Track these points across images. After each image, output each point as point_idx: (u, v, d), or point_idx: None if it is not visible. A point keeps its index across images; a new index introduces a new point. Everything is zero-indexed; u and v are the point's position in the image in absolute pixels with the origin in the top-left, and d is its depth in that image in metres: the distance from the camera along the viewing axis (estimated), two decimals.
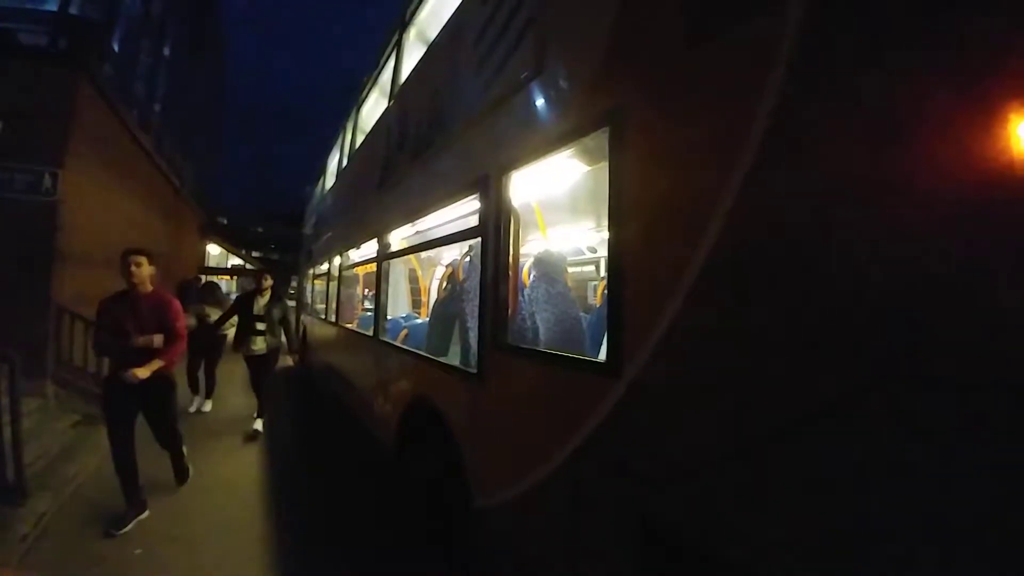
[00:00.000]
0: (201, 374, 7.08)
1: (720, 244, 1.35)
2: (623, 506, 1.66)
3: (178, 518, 3.78)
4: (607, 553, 1.74)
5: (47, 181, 5.90)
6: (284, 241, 50.35)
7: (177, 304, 3.83)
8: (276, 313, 6.00)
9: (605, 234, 4.73)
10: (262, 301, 5.98)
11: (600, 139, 1.93)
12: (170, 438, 4.19)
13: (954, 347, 0.94)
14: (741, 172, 1.30)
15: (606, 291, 1.80)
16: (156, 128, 10.16)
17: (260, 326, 5.90)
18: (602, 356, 3.20)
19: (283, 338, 6.19)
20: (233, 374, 8.36)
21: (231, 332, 6.38)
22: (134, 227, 9.07)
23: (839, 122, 1.14)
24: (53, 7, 6.44)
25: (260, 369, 6.08)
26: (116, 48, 7.84)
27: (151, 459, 4.89)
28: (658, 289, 1.54)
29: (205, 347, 6.75)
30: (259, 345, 5.92)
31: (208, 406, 6.95)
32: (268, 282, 6.10)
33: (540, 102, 2.30)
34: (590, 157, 2.40)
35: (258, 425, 5.98)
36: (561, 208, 3.84)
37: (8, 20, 6.57)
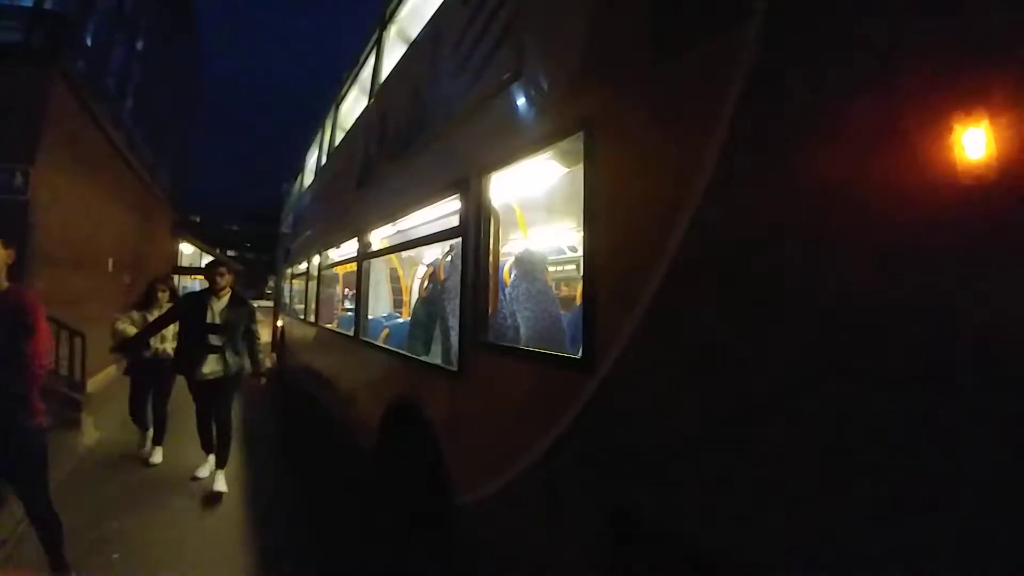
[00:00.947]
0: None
1: (687, 245, 1.44)
2: (596, 499, 1.74)
3: (152, 524, 3.81)
4: (582, 546, 1.81)
5: (18, 179, 5.82)
6: (260, 240, 49.78)
7: (32, 298, 2.89)
8: (238, 321, 4.52)
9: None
10: (219, 304, 4.48)
11: (577, 143, 2.00)
12: (44, 520, 2.94)
13: (921, 339, 1.01)
14: (705, 179, 1.39)
15: (582, 291, 1.89)
16: (128, 124, 10.03)
17: (215, 340, 4.42)
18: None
19: (247, 358, 4.68)
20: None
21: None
22: (104, 225, 8.96)
23: (800, 132, 1.23)
24: (28, 2, 6.35)
25: (216, 400, 4.54)
26: (89, 43, 7.73)
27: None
28: (629, 288, 1.62)
29: (154, 372, 5.19)
30: (213, 367, 4.43)
31: (157, 456, 5.21)
32: (226, 279, 4.54)
33: (519, 105, 2.37)
34: (569, 159, 2.49)
35: (219, 483, 4.41)
36: (542, 208, 3.92)
37: None
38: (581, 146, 1.92)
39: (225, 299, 4.52)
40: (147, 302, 5.24)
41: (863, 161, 1.11)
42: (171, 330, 4.96)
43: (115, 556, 3.34)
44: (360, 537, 3.67)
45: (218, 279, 4.48)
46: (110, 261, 9.46)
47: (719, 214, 1.38)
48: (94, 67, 8.07)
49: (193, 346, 4.42)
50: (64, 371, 6.48)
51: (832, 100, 1.17)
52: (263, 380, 4.79)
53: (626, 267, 1.68)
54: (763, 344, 1.26)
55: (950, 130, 0.98)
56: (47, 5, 6.45)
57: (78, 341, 6.59)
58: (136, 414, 5.34)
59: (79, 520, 3.72)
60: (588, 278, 1.84)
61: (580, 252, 5.29)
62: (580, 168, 2.52)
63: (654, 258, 1.53)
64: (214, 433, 4.63)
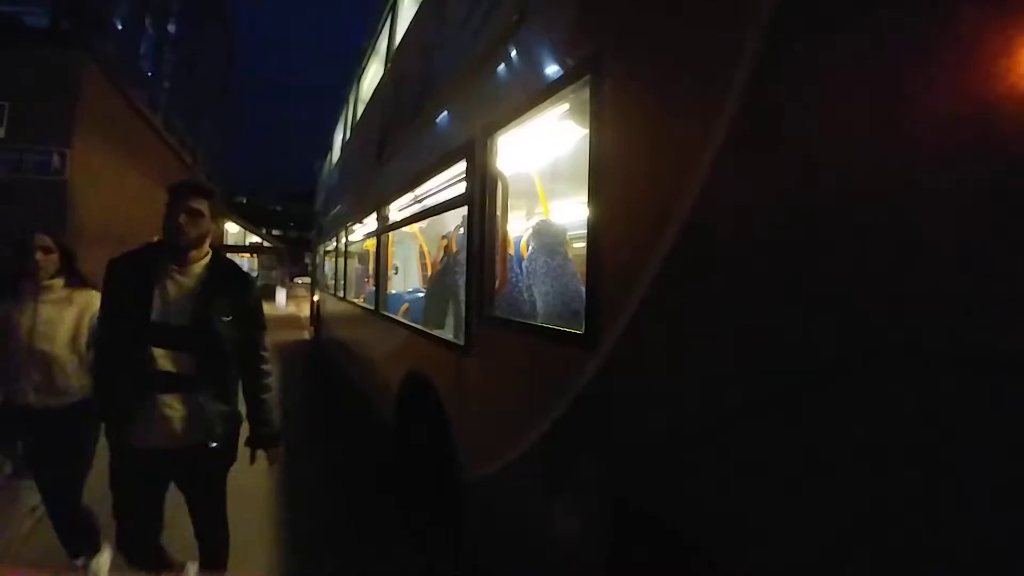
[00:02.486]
0: None
1: (705, 208, 1.19)
2: (595, 485, 1.57)
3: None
4: (581, 530, 1.66)
5: (56, 161, 5.84)
6: (304, 218, 50.66)
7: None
8: (225, 315, 2.02)
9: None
10: (185, 283, 2.01)
11: (584, 90, 1.74)
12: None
13: (935, 325, 0.85)
14: (731, 129, 1.13)
15: (586, 261, 1.65)
16: (165, 106, 10.05)
17: (168, 363, 1.95)
18: None
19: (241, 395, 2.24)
20: None
21: None
22: (146, 205, 9.03)
23: (847, 66, 0.97)
24: None
25: (195, 489, 2.21)
26: (119, 26, 7.68)
27: None
28: (638, 255, 1.38)
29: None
30: (175, 423, 1.97)
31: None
32: (201, 227, 2.01)
33: (524, 53, 2.12)
34: (582, 117, 2.23)
35: None
36: (559, 176, 3.67)
37: (13, 3, 6.49)
38: (587, 92, 1.65)
39: (198, 267, 2.05)
40: None
41: (919, 118, 0.87)
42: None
43: None
44: (381, 513, 3.56)
45: (180, 217, 1.97)
46: (156, 240, 9.55)
47: (748, 171, 1.12)
48: (126, 51, 8.05)
49: (126, 371, 1.96)
50: None
51: (894, 37, 0.90)
52: (268, 455, 2.30)
53: (635, 232, 1.43)
54: (787, 325, 1.04)
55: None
56: None
57: None
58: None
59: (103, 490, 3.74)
60: (592, 244, 1.59)
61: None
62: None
63: (667, 222, 1.28)
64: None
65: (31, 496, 3.43)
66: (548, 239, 2.91)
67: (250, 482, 3.75)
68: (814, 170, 1.01)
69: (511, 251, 2.66)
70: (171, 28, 10.17)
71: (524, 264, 2.73)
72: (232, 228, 23.76)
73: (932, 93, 0.86)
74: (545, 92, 1.94)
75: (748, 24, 1.10)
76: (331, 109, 8.93)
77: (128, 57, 8.28)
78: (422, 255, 7.12)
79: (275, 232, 44.28)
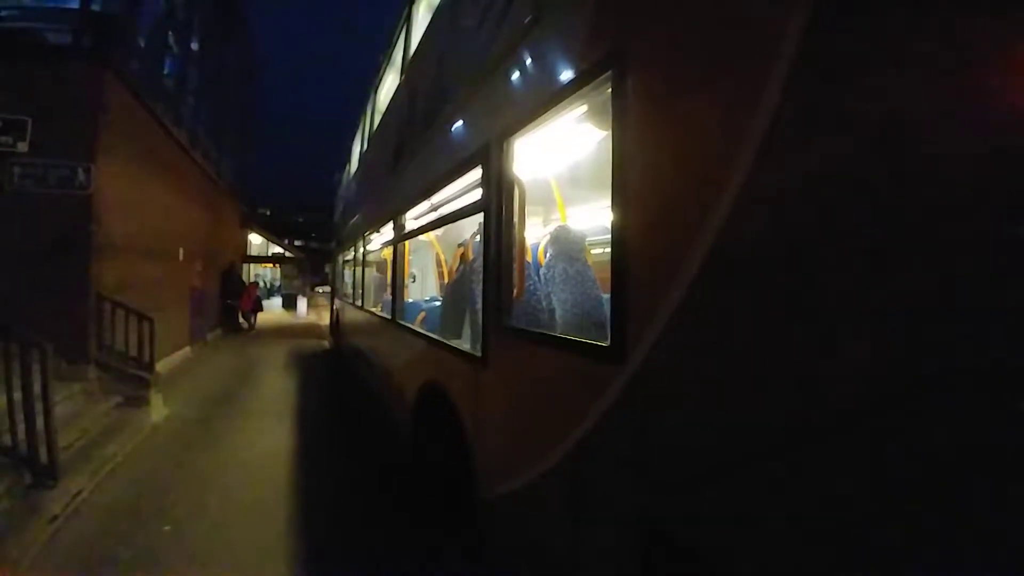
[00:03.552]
0: None
1: (738, 213, 1.07)
2: (626, 505, 1.43)
3: (206, 496, 3.71)
4: (610, 553, 1.52)
5: (80, 175, 5.84)
6: (323, 230, 51.07)
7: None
8: None
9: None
10: None
11: (605, 90, 1.63)
12: None
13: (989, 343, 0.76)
14: (763, 127, 1.01)
15: (611, 270, 1.52)
16: (189, 122, 10.10)
17: None
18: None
19: None
20: None
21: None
22: (172, 218, 9.08)
23: (890, 62, 0.86)
24: (76, 4, 6.33)
25: None
26: (142, 43, 7.72)
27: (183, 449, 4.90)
28: (668, 264, 1.26)
29: None
30: None
31: None
32: None
33: (540, 53, 2.00)
34: (602, 118, 2.11)
35: None
36: (578, 180, 3.54)
37: (34, 20, 6.55)
38: (609, 90, 1.52)
39: None
40: None
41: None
42: None
43: (166, 528, 3.24)
44: (401, 520, 3.44)
45: None
46: (181, 251, 9.61)
47: (787, 175, 1.00)
48: (149, 68, 8.09)
49: None
50: (134, 353, 6.55)
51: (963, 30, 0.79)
52: None
53: (663, 238, 1.30)
54: (837, 341, 0.92)
55: None
56: (95, 7, 6.41)
57: (147, 325, 6.65)
58: None
59: (136, 493, 3.73)
60: (618, 252, 1.46)
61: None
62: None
63: (698, 228, 1.15)
64: None
65: (51, 505, 3.40)
66: (566, 246, 2.79)
67: (267, 495, 3.69)
68: (855, 173, 0.89)
69: (528, 258, 2.53)
70: (194, 46, 10.23)
71: (542, 272, 2.61)
72: (255, 239, 23.94)
73: (984, 93, 0.77)
74: (562, 93, 1.82)
75: (783, 18, 0.98)
76: (352, 122, 8.94)
77: (152, 73, 8.32)
78: (439, 263, 7.06)
79: (297, 243, 44.64)
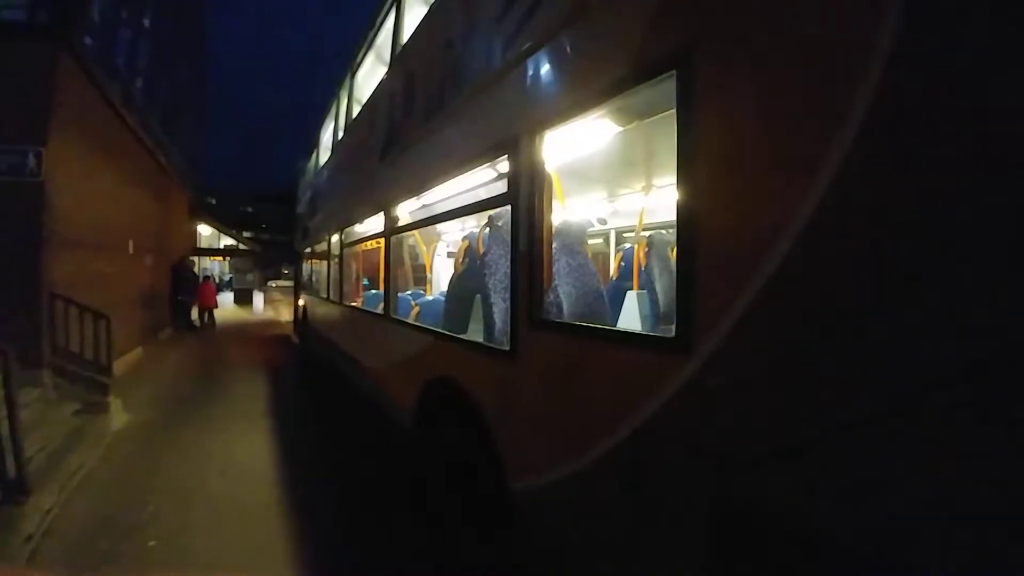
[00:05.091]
0: None
1: (819, 213, 1.16)
2: (698, 491, 1.50)
3: (192, 505, 3.63)
4: (675, 539, 1.60)
5: (31, 161, 5.59)
6: (276, 221, 49.76)
7: None
8: None
9: (618, 204, 4.63)
10: None
11: (645, 93, 1.74)
12: None
13: None
14: (851, 130, 1.10)
15: (677, 263, 1.60)
16: (140, 104, 9.71)
17: None
18: (623, 327, 3.09)
19: None
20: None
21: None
22: (122, 208, 8.74)
23: (975, 67, 0.95)
24: None
25: None
26: (96, 21, 7.38)
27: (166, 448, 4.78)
28: (738, 262, 1.35)
29: None
30: None
31: None
32: None
33: (584, 47, 2.05)
34: (625, 116, 2.19)
35: None
36: (574, 176, 3.63)
37: None
38: (672, 88, 1.59)
39: None
40: None
41: None
42: None
43: (151, 544, 3.15)
44: (406, 521, 3.47)
45: None
46: (131, 243, 9.26)
47: (866, 176, 1.09)
48: (102, 45, 7.74)
49: None
50: (89, 355, 6.30)
51: None
52: None
53: (736, 235, 1.39)
54: (908, 332, 1.03)
55: None
56: None
57: (103, 324, 6.41)
58: None
59: (111, 507, 3.60)
60: (685, 248, 1.55)
61: (609, 224, 5.14)
62: (633, 126, 2.26)
63: (774, 224, 1.24)
64: None
65: (24, 524, 3.27)
66: (569, 238, 2.89)
67: (257, 503, 3.63)
68: (941, 176, 0.99)
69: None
70: (147, 22, 9.82)
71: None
72: (205, 230, 23.19)
73: None
74: (611, 89, 1.88)
75: (869, 24, 1.06)
76: (306, 109, 8.77)
77: (105, 53, 7.97)
78: (416, 256, 7.04)
79: (247, 234, 43.32)
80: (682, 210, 1.56)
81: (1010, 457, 0.89)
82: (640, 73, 1.73)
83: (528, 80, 2.40)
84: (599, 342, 2.00)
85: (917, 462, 1.01)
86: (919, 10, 1.00)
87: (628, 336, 1.93)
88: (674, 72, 1.57)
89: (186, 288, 13.65)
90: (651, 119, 2.17)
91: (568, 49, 2.13)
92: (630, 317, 3.69)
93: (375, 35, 5.42)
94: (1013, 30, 0.90)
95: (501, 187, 2.62)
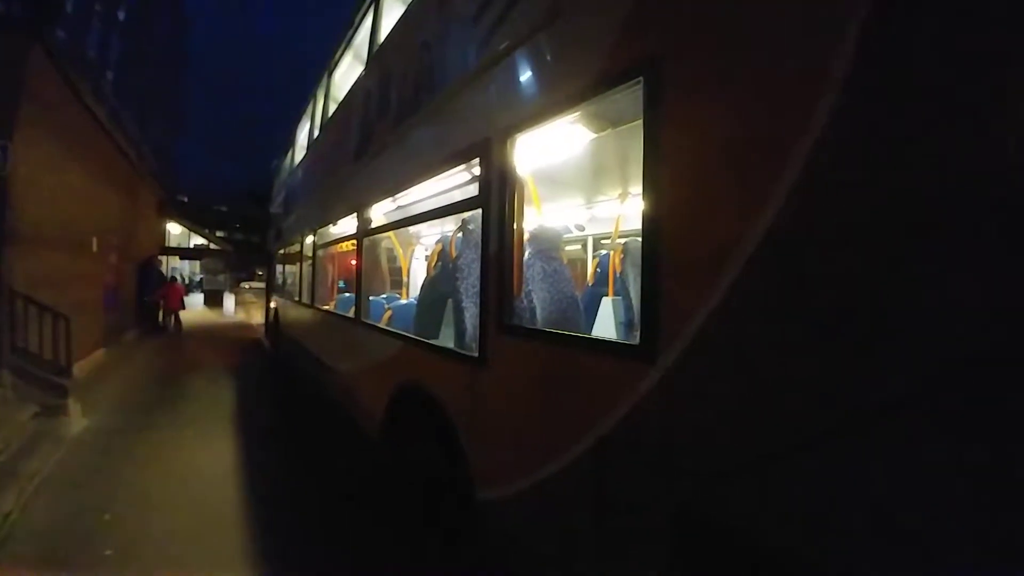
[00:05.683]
0: None
1: (779, 218, 1.20)
2: (661, 501, 1.53)
3: (151, 514, 3.56)
4: (639, 549, 1.62)
5: None
6: (250, 220, 49.14)
7: None
8: None
9: (595, 210, 4.67)
10: None
11: (617, 100, 1.77)
12: None
13: None
14: (810, 135, 1.14)
15: (642, 270, 1.63)
16: (110, 98, 9.54)
17: None
18: (596, 335, 3.14)
19: None
20: None
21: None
22: (88, 204, 8.56)
23: (940, 72, 0.99)
24: None
25: None
26: (69, 10, 7.25)
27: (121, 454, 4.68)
28: (703, 268, 1.39)
29: None
30: None
31: None
32: None
33: (555, 53, 2.09)
34: (599, 122, 2.23)
35: None
36: (550, 183, 3.66)
37: None
38: (634, 95, 1.63)
39: None
40: None
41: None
42: None
43: (108, 553, 3.09)
44: (369, 528, 3.44)
45: None
46: (95, 241, 9.07)
47: (828, 181, 1.13)
48: (74, 37, 7.60)
49: None
50: (48, 355, 6.16)
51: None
52: None
53: (700, 242, 1.42)
54: (876, 338, 1.07)
55: None
56: None
57: (62, 324, 6.27)
58: None
59: (68, 513, 3.54)
60: (649, 255, 1.58)
61: (588, 231, 5.19)
62: (607, 133, 2.30)
63: (737, 232, 1.28)
64: None
65: None
66: (544, 244, 2.92)
67: (217, 513, 3.57)
68: (895, 178, 1.03)
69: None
70: (120, 15, 9.66)
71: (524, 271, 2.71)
72: (174, 229, 22.80)
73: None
74: (579, 94, 1.92)
75: (832, 33, 1.11)
76: (282, 105, 8.74)
77: (77, 44, 7.82)
78: (393, 258, 7.02)
79: (220, 234, 42.70)
80: (647, 216, 1.59)
81: (977, 467, 0.92)
82: (608, 80, 1.76)
83: (499, 84, 2.43)
84: (566, 348, 2.02)
85: (883, 474, 1.03)
86: (880, 19, 1.05)
87: (594, 343, 1.97)
88: (641, 79, 1.61)
89: (152, 289, 13.37)
90: (625, 126, 2.21)
91: (538, 54, 2.17)
92: (605, 323, 3.73)
93: (353, 34, 5.42)
94: (971, 40, 0.95)
95: (474, 190, 2.64)
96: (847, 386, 1.09)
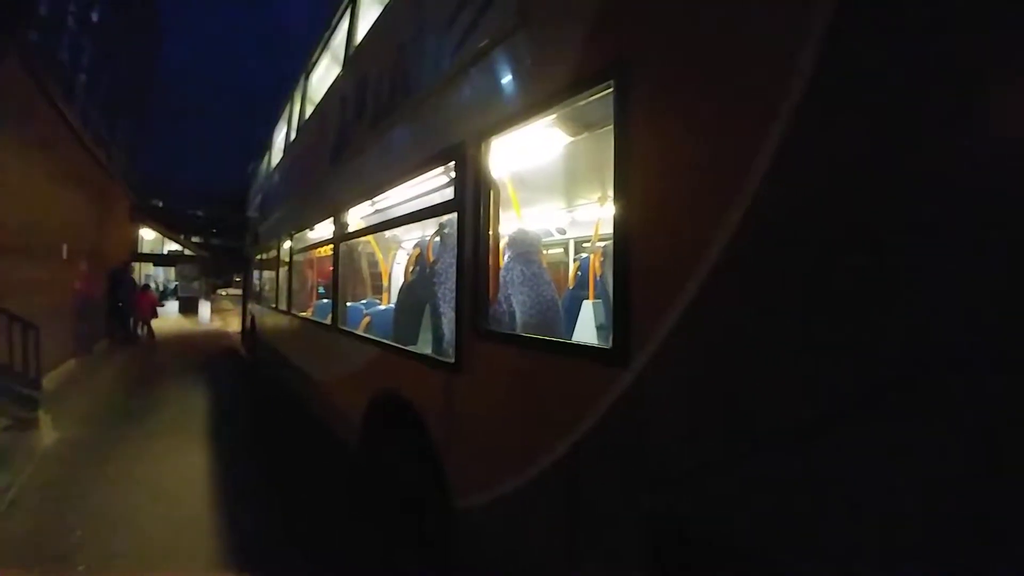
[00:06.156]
0: None
1: (750, 220, 1.22)
2: (633, 505, 1.55)
3: (124, 530, 3.52)
4: (613, 553, 1.63)
5: None
6: (228, 225, 48.64)
7: None
8: None
9: (576, 214, 4.70)
10: None
11: (593, 103, 1.79)
12: None
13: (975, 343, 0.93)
14: (774, 142, 1.17)
15: (612, 272, 1.65)
16: (82, 100, 9.38)
17: None
18: (577, 339, 3.16)
19: None
20: None
21: None
22: (57, 209, 8.42)
23: (894, 77, 1.02)
24: None
25: None
26: (43, 12, 7.12)
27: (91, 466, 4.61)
28: (673, 270, 1.40)
29: None
30: None
31: None
32: None
33: (527, 56, 2.11)
34: (575, 125, 2.25)
35: None
36: (531, 186, 3.69)
37: None
38: (598, 104, 1.66)
39: None
40: None
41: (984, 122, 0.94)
42: None
43: (81, 568, 3.06)
44: (347, 540, 3.42)
45: None
46: (64, 247, 8.91)
47: (795, 184, 1.16)
48: (48, 38, 7.48)
49: None
50: (18, 367, 6.03)
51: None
52: None
53: (671, 245, 1.45)
54: (840, 340, 1.09)
55: None
56: None
57: (32, 335, 6.15)
58: None
59: (40, 529, 3.51)
60: (620, 257, 1.60)
61: (569, 234, 5.22)
62: (583, 137, 2.33)
63: (707, 234, 1.30)
64: None
65: None
66: (524, 248, 2.94)
67: (191, 531, 3.52)
68: (859, 180, 1.06)
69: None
70: (94, 16, 9.51)
71: (500, 273, 2.73)
72: (148, 235, 22.49)
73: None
74: (551, 99, 1.94)
75: (795, 39, 1.14)
76: (259, 107, 8.67)
77: (49, 46, 7.69)
78: (374, 263, 6.99)
79: (195, 239, 42.23)
80: (618, 219, 1.61)
81: (945, 468, 0.94)
82: (580, 84, 1.79)
83: (472, 88, 2.45)
84: (539, 353, 2.04)
85: (858, 475, 1.05)
86: (847, 22, 1.07)
87: (567, 347, 1.98)
88: (612, 83, 1.63)
89: (124, 296, 13.11)
90: (602, 130, 2.23)
91: (510, 59, 2.19)
92: (586, 326, 3.75)
93: (330, 36, 5.42)
94: (936, 44, 0.98)
95: (451, 194, 2.65)
96: (818, 387, 1.11)
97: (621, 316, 1.57)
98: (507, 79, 2.23)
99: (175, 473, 4.56)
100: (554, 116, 2.05)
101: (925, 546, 0.97)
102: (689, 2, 1.43)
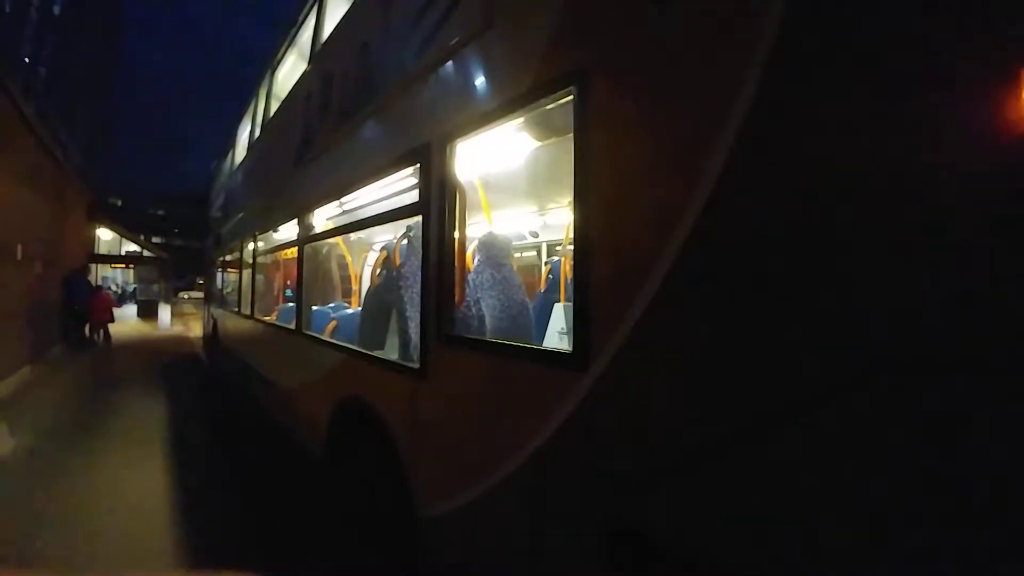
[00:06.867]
0: None
1: (703, 223, 1.26)
2: (592, 509, 1.57)
3: (83, 538, 3.47)
4: (575, 560, 1.65)
5: None
6: (190, 225, 47.71)
7: None
8: None
9: (548, 217, 4.74)
10: None
11: (559, 108, 1.81)
12: None
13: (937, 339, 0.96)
14: (725, 147, 1.21)
15: (572, 276, 1.68)
16: (39, 94, 9.10)
17: None
18: (548, 344, 3.19)
19: None
20: None
21: None
22: (11, 208, 8.14)
23: (843, 92, 1.06)
24: None
25: None
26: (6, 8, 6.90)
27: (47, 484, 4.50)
28: (631, 273, 1.43)
29: None
30: None
31: None
32: None
33: (491, 59, 2.13)
34: (543, 130, 2.27)
35: None
36: (503, 189, 3.71)
37: None
38: (563, 109, 1.69)
39: None
40: None
41: (915, 134, 0.99)
42: None
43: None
44: (309, 550, 3.38)
45: None
46: (19, 248, 8.65)
47: (746, 188, 1.20)
48: (6, 29, 7.24)
49: None
50: None
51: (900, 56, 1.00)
52: None
53: (628, 248, 1.48)
54: (793, 341, 1.12)
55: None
56: None
57: None
58: None
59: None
60: (580, 260, 1.62)
61: (542, 237, 5.25)
62: (552, 141, 2.35)
63: (663, 238, 1.33)
64: None
65: None
66: (494, 251, 2.96)
67: (154, 542, 3.45)
68: (815, 184, 1.09)
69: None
70: (55, 9, 9.24)
71: (470, 277, 2.74)
72: (105, 235, 21.93)
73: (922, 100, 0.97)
74: (516, 102, 1.96)
75: (751, 41, 1.18)
76: (221, 104, 8.55)
77: (7, 36, 7.45)
78: (344, 266, 6.94)
79: (156, 240, 41.33)
80: (577, 223, 1.64)
81: (909, 465, 0.96)
82: (543, 89, 1.81)
83: (438, 89, 2.46)
84: (502, 357, 2.05)
85: (814, 480, 1.07)
86: (796, 28, 1.11)
87: (529, 351, 2.00)
88: (573, 88, 1.66)
89: (81, 300, 12.75)
90: (568, 136, 2.27)
91: (475, 61, 2.21)
92: (557, 329, 3.78)
93: (297, 32, 5.37)
94: (882, 47, 1.02)
95: (416, 196, 2.65)
96: (776, 390, 1.14)
97: (581, 320, 1.59)
98: (473, 81, 2.24)
99: (135, 482, 4.49)
100: (521, 120, 2.06)
101: (883, 546, 0.99)
102: (644, 13, 1.46)
